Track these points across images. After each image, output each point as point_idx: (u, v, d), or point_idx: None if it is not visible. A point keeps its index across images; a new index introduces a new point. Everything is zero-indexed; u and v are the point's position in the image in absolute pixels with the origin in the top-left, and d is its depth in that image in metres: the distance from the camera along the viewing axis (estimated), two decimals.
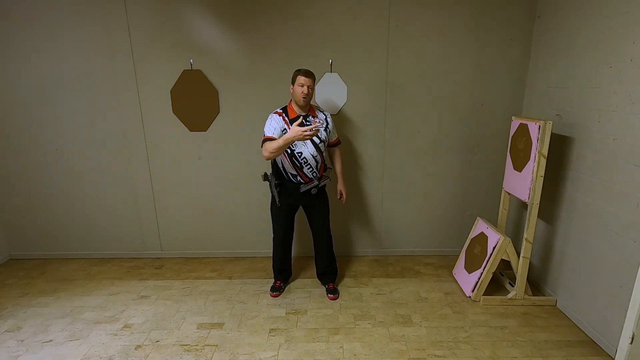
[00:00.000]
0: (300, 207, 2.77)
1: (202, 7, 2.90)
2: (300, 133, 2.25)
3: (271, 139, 2.41)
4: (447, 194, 3.33)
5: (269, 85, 3.05)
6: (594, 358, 2.21)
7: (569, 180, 2.56)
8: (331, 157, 2.81)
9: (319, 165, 2.60)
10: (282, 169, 2.62)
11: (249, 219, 3.37)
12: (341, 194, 2.81)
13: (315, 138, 2.52)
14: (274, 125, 2.48)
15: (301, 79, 2.43)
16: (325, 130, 2.59)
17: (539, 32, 2.90)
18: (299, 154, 2.53)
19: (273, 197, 2.67)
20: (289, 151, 2.52)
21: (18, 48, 2.98)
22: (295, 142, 2.46)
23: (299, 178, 2.59)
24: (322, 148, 2.58)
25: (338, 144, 2.78)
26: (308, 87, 2.44)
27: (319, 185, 2.62)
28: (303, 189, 2.58)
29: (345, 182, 2.85)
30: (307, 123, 2.52)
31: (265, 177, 2.66)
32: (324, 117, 2.62)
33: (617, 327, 2.14)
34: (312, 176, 2.59)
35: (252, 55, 3.00)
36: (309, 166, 2.55)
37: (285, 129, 2.49)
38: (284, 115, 2.54)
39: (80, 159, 3.23)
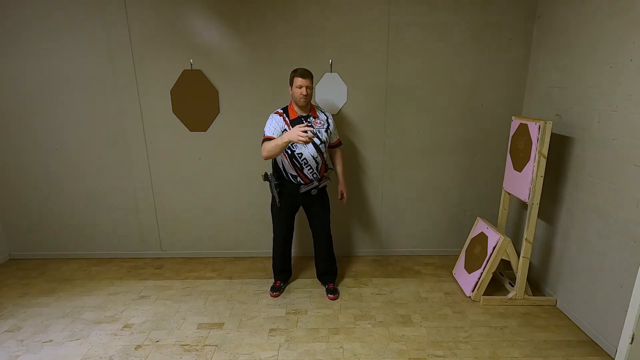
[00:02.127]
0: (301, 207, 2.77)
1: (202, 7, 2.90)
2: (296, 134, 2.21)
3: (270, 139, 2.43)
4: (447, 194, 3.33)
5: (269, 85, 3.05)
6: (594, 358, 2.21)
7: (569, 180, 2.56)
8: (332, 158, 2.80)
9: (320, 166, 2.59)
10: (282, 169, 2.61)
11: (249, 219, 3.37)
12: (342, 195, 2.80)
13: (315, 139, 2.52)
14: (274, 125, 2.49)
15: (299, 81, 2.42)
16: (326, 131, 2.58)
17: (539, 32, 2.90)
18: (299, 155, 2.52)
19: (273, 197, 2.67)
20: (289, 152, 2.52)
21: (18, 48, 2.98)
22: (295, 143, 2.43)
23: (299, 179, 2.58)
24: (323, 149, 2.57)
25: (339, 145, 2.77)
26: (306, 87, 2.43)
27: (319, 187, 2.61)
28: (303, 189, 2.58)
29: (346, 183, 2.84)
30: (308, 124, 2.53)
31: (266, 177, 2.66)
32: (325, 117, 2.61)
33: (617, 327, 2.14)
34: (312, 177, 2.59)
35: (252, 55, 3.00)
36: (309, 167, 2.55)
37: (285, 129, 2.49)
38: (284, 115, 2.54)
39: (80, 159, 3.22)
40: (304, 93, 2.43)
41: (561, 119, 2.63)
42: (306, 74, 2.44)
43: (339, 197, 2.82)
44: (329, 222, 2.81)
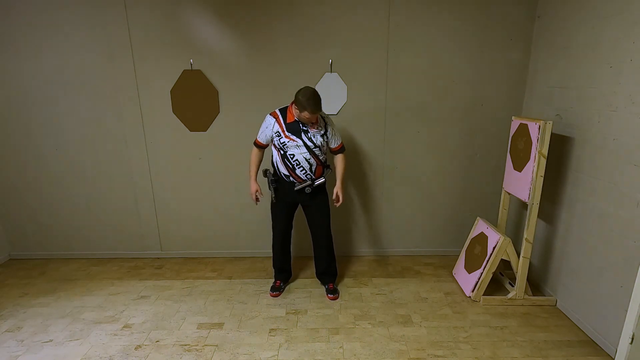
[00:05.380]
0: (300, 206, 2.77)
1: (202, 7, 2.90)
2: (250, 191, 2.68)
3: (259, 145, 2.64)
4: (447, 194, 3.33)
5: (269, 85, 3.05)
6: (594, 358, 2.21)
7: (569, 180, 2.56)
8: (335, 162, 2.72)
9: (314, 167, 2.57)
10: (276, 167, 2.62)
11: (249, 219, 3.37)
12: (337, 197, 2.67)
13: (309, 143, 2.51)
14: (264, 131, 2.58)
15: (307, 115, 2.38)
16: (322, 136, 2.55)
17: (539, 32, 2.90)
18: (291, 156, 2.52)
19: (270, 193, 2.69)
20: (282, 152, 2.53)
21: (18, 48, 2.98)
22: (287, 144, 2.50)
23: (291, 178, 2.58)
24: (318, 152, 2.55)
25: (341, 151, 2.68)
26: (313, 119, 2.44)
27: (313, 185, 2.59)
28: (297, 187, 2.58)
29: (343, 186, 2.71)
30: (304, 128, 2.51)
31: (265, 173, 2.69)
32: (324, 123, 2.57)
33: (617, 327, 2.14)
34: (305, 178, 2.58)
35: (252, 55, 3.00)
36: (301, 168, 2.55)
37: (278, 131, 2.51)
38: (280, 117, 2.53)
39: (81, 158, 3.23)
40: (309, 122, 2.46)
41: (561, 119, 2.63)
42: (316, 109, 2.37)
43: (334, 197, 2.67)
44: (329, 221, 2.80)
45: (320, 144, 2.54)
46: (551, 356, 2.22)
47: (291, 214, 2.79)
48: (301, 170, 2.55)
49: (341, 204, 2.71)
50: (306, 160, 2.53)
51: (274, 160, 2.63)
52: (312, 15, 2.92)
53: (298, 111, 2.42)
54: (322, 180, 2.61)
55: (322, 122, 2.57)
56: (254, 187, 2.68)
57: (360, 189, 3.32)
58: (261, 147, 2.67)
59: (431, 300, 2.78)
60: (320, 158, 2.59)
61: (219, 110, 3.12)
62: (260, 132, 2.61)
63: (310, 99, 2.34)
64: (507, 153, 2.82)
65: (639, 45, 2.00)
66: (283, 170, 2.58)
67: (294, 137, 2.50)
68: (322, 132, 2.56)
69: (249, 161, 2.69)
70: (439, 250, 3.49)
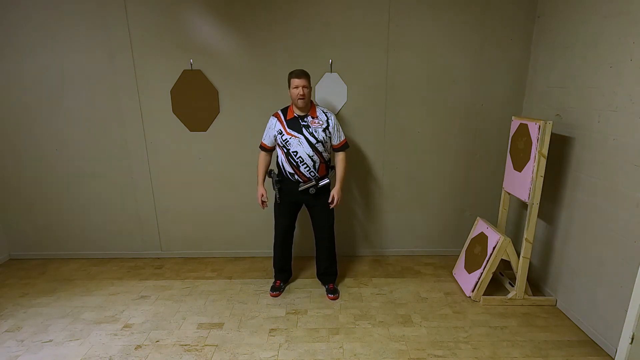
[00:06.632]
0: (304, 205, 2.77)
1: (202, 7, 2.90)
2: (257, 195, 2.70)
3: (264, 147, 2.68)
4: (447, 194, 3.33)
5: (269, 85, 3.05)
6: (594, 358, 2.21)
7: (569, 180, 2.56)
8: (335, 161, 2.71)
9: (318, 165, 2.58)
10: (281, 166, 2.63)
11: (249, 219, 3.37)
12: (332, 199, 2.64)
13: (310, 138, 2.52)
14: (268, 132, 2.64)
15: (295, 82, 2.46)
16: (324, 131, 2.56)
17: (539, 32, 2.90)
18: (295, 153, 2.53)
19: (275, 193, 2.69)
20: (285, 150, 2.56)
21: (18, 48, 2.98)
22: (290, 141, 2.53)
23: (296, 177, 2.59)
24: (321, 148, 2.56)
25: (344, 147, 2.66)
26: (303, 87, 2.45)
27: (317, 186, 2.60)
28: (301, 187, 2.59)
29: (340, 188, 2.66)
30: (304, 123, 2.53)
31: (270, 173, 2.70)
32: (325, 118, 2.59)
33: (617, 327, 2.13)
34: (310, 175, 2.58)
35: (252, 55, 3.00)
36: (305, 165, 2.55)
37: (280, 129, 2.56)
38: (281, 116, 2.59)
39: (80, 159, 3.23)
40: (301, 93, 2.46)
41: (561, 119, 2.63)
42: (302, 74, 2.47)
43: (330, 200, 2.65)
44: (332, 222, 2.80)
45: (322, 139, 2.55)
46: (551, 356, 2.22)
47: (294, 215, 2.79)
48: (305, 168, 2.56)
49: (337, 204, 2.66)
50: (309, 157, 2.54)
51: (279, 160, 2.65)
52: (312, 15, 2.92)
53: (291, 93, 2.51)
54: (326, 181, 2.62)
55: (324, 116, 2.59)
56: (259, 191, 2.70)
57: (360, 189, 3.32)
58: (266, 149, 2.69)
59: (431, 300, 2.78)
60: (324, 155, 2.59)
61: (219, 110, 3.12)
62: (264, 134, 2.67)
63: (293, 70, 2.51)
64: (507, 153, 2.82)
65: (639, 45, 2.00)
66: (288, 168, 2.59)
67: (295, 133, 2.53)
68: (324, 126, 2.57)
69: (258, 163, 2.73)
70: (439, 250, 3.49)
